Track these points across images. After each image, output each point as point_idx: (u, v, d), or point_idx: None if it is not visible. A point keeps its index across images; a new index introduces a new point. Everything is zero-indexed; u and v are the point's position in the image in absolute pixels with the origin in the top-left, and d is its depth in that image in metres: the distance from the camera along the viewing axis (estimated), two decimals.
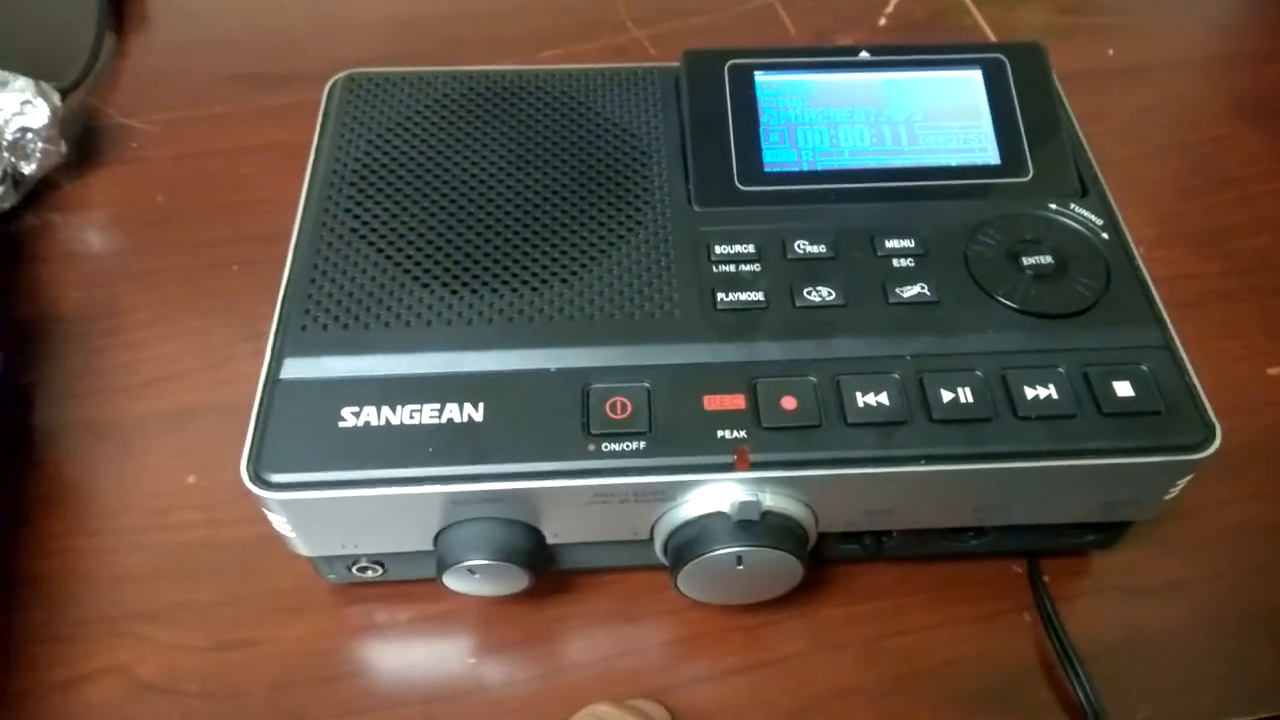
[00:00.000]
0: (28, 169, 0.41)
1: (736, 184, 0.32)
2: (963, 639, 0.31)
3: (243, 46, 0.49)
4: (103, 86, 0.47)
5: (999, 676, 0.30)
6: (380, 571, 0.30)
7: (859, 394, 0.28)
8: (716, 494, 0.27)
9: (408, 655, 0.31)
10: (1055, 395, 0.28)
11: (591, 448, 0.27)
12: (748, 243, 0.31)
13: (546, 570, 0.29)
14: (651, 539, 0.29)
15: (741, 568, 0.27)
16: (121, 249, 0.41)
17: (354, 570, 0.30)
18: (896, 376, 0.28)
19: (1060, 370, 0.28)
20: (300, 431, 0.27)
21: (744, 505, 0.26)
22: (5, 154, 0.40)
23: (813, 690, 0.30)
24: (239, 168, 0.44)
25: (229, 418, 0.35)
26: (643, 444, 0.27)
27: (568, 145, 0.33)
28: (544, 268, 0.30)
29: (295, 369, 0.28)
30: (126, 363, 0.37)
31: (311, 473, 0.26)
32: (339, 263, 0.30)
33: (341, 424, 0.27)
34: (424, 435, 0.27)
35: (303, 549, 0.28)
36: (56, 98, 0.41)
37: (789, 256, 0.30)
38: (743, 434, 0.27)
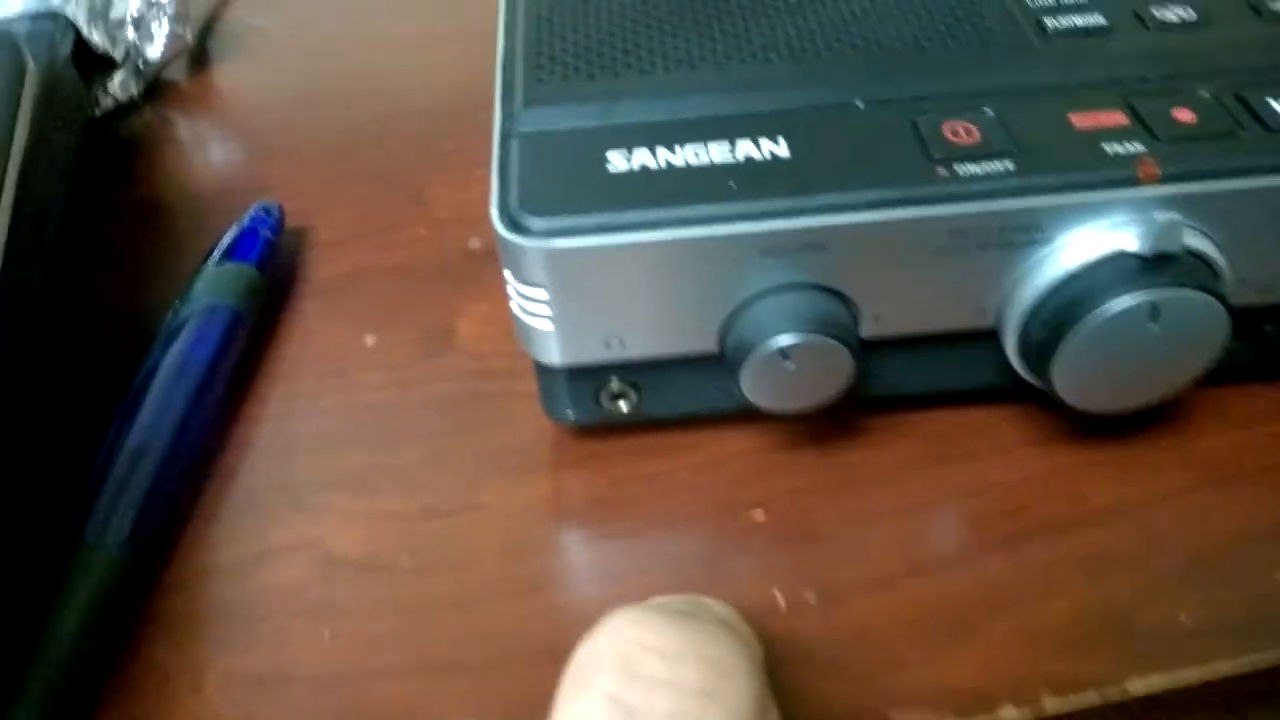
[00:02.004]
0: (151, 53, 0.36)
1: None
2: None
3: None
4: None
5: None
6: (634, 400, 0.23)
7: (1276, 100, 0.21)
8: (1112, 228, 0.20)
9: (672, 511, 0.24)
10: None
11: (942, 172, 0.20)
12: None
13: (859, 388, 0.22)
14: (999, 328, 0.22)
15: (1155, 328, 0.20)
16: (260, 133, 0.36)
17: (602, 399, 0.23)
18: None
19: None
20: (559, 177, 0.21)
21: (1164, 231, 0.19)
22: (129, 30, 0.36)
23: (1221, 530, 0.22)
24: (382, 58, 0.39)
25: (404, 279, 0.30)
26: (1011, 163, 0.20)
27: None
28: (820, 4, 0.24)
29: (536, 120, 0.22)
30: None
31: (585, 214, 0.20)
32: (566, 19, 0.24)
33: (610, 168, 0.21)
34: (720, 174, 0.20)
35: (554, 352, 0.22)
36: None
37: None
38: (1138, 148, 0.20)
